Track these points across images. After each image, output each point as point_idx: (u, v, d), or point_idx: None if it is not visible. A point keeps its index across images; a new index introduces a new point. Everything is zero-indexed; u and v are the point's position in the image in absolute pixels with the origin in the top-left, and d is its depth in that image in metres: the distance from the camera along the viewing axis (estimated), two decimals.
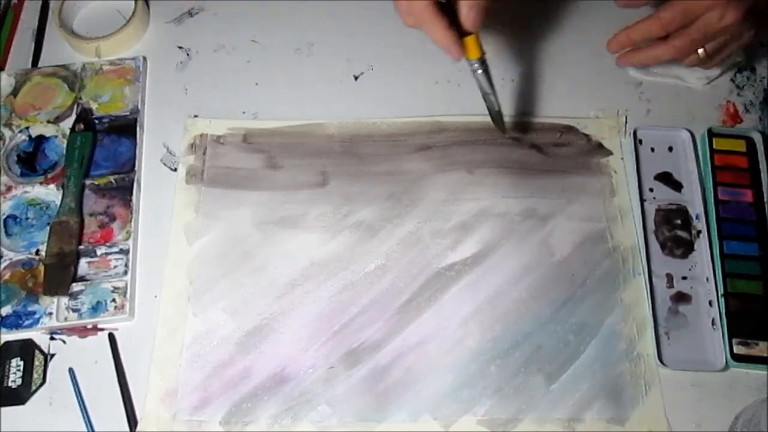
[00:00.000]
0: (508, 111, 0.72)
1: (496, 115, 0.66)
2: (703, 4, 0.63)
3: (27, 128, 0.70)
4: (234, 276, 0.64)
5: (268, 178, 0.68)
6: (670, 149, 0.70)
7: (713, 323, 0.63)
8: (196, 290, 0.63)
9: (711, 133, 0.70)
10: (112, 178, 0.68)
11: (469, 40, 0.59)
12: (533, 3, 0.78)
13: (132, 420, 0.59)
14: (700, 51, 0.65)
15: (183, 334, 0.62)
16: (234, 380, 0.60)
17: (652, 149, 0.70)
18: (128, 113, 0.71)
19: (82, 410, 0.59)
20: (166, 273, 0.64)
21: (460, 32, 0.58)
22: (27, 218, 0.67)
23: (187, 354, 0.61)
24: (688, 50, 0.65)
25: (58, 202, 0.66)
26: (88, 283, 0.64)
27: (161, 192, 0.68)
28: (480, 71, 0.62)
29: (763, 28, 0.70)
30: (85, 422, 0.59)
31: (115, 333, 0.63)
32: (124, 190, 0.68)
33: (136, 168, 0.68)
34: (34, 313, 0.62)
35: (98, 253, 0.65)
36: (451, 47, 0.58)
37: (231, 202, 0.67)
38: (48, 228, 0.65)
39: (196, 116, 0.72)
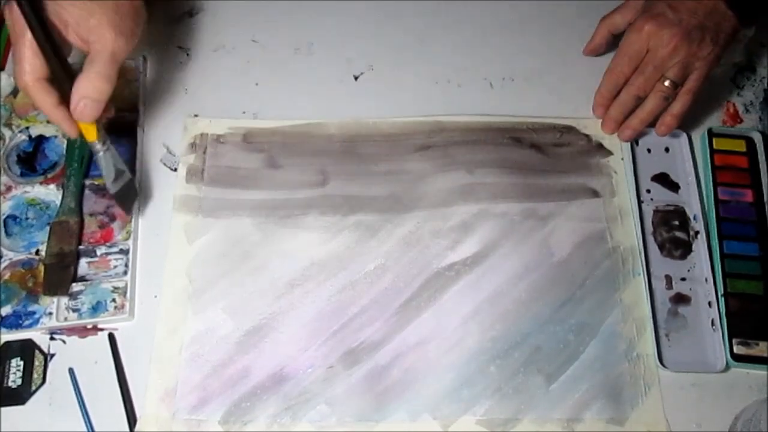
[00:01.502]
0: (508, 111, 0.72)
1: (119, 195, 0.63)
2: (640, 38, 0.65)
3: (27, 128, 0.70)
4: (234, 275, 0.64)
5: (268, 177, 0.68)
6: (667, 150, 0.70)
7: (713, 324, 0.63)
8: (196, 289, 0.63)
9: (711, 133, 0.70)
10: None
11: (83, 124, 0.57)
12: (533, 3, 0.78)
13: (132, 420, 0.59)
14: (666, 82, 0.65)
15: (182, 334, 0.62)
16: (233, 379, 0.60)
17: (649, 150, 0.70)
18: (128, 113, 0.71)
19: (82, 410, 0.59)
20: (165, 272, 0.64)
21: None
22: (27, 218, 0.67)
23: (186, 353, 0.61)
24: (648, 85, 0.66)
25: (58, 202, 0.66)
26: (88, 283, 0.64)
27: (161, 192, 0.68)
28: (100, 154, 0.60)
29: (763, 28, 0.71)
30: (85, 422, 0.59)
31: (115, 333, 0.62)
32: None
33: (136, 168, 0.68)
34: (34, 313, 0.62)
35: (98, 253, 0.65)
36: (63, 124, 0.57)
37: (231, 202, 0.67)
38: (48, 228, 0.65)
39: (196, 115, 0.72)
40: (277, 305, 0.63)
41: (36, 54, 0.54)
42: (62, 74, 0.56)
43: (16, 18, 0.53)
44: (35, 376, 0.60)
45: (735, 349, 0.61)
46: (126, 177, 0.63)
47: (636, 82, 0.66)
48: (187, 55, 0.75)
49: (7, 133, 0.70)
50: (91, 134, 0.58)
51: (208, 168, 0.69)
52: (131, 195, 0.65)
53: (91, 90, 0.56)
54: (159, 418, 0.59)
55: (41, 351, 0.62)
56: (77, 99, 0.56)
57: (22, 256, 0.65)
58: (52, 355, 0.62)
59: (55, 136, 0.70)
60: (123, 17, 0.57)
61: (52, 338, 0.62)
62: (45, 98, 0.56)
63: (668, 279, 0.65)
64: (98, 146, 0.60)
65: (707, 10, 0.64)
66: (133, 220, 0.66)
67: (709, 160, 0.69)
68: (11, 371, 0.60)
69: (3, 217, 0.66)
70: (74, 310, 0.62)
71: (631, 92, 0.67)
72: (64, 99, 0.56)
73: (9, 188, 0.67)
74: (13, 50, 0.56)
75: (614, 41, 0.69)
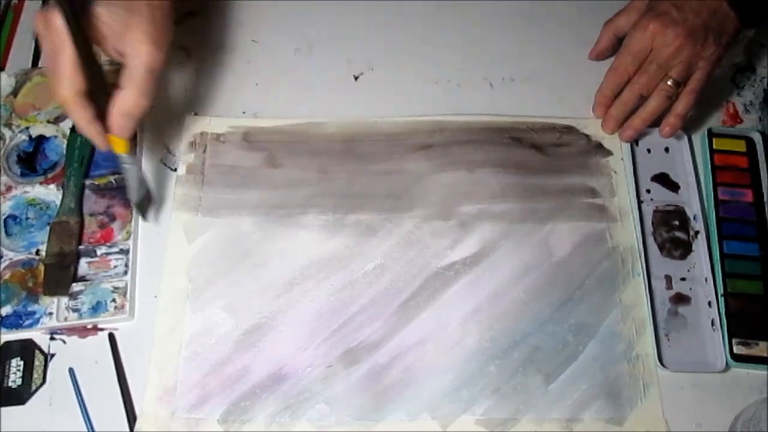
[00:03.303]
0: (508, 111, 0.72)
1: (139, 204, 0.65)
2: (644, 37, 0.65)
3: (27, 128, 0.70)
4: (233, 274, 0.64)
5: (268, 176, 0.68)
6: (667, 150, 0.70)
7: (713, 324, 0.63)
8: (195, 288, 0.64)
9: (711, 134, 0.70)
10: (112, 178, 0.68)
11: (114, 137, 0.58)
12: (533, 3, 0.78)
13: (132, 420, 0.59)
14: (669, 82, 0.65)
15: (181, 332, 0.62)
16: (232, 378, 0.60)
17: (649, 150, 0.70)
18: None
19: (82, 410, 0.59)
20: (165, 271, 0.64)
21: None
22: (27, 218, 0.67)
23: (185, 352, 0.61)
24: (651, 84, 0.66)
25: (58, 202, 0.66)
26: (88, 283, 0.64)
27: (161, 192, 0.68)
28: (126, 166, 0.61)
29: (763, 28, 0.71)
30: (85, 422, 0.59)
31: (115, 333, 0.63)
32: (124, 191, 0.67)
33: None
34: (34, 313, 0.62)
35: (98, 253, 0.65)
36: (96, 139, 0.58)
37: (231, 201, 0.67)
38: (48, 228, 0.65)
39: (196, 114, 0.72)
40: (276, 304, 0.63)
41: (77, 68, 0.53)
42: (100, 88, 0.55)
43: (55, 31, 0.53)
44: (35, 376, 0.60)
45: (735, 349, 0.61)
46: (145, 186, 0.64)
47: (639, 80, 0.66)
48: (188, 55, 0.75)
49: (7, 133, 0.70)
50: (123, 147, 0.59)
51: (207, 167, 0.69)
52: (150, 202, 0.66)
53: (130, 106, 0.56)
54: (158, 417, 0.59)
55: (41, 351, 0.62)
56: (116, 115, 0.56)
57: (23, 256, 0.65)
58: (53, 355, 0.62)
59: (55, 136, 0.70)
60: (158, 28, 0.56)
61: (52, 338, 0.62)
62: (82, 113, 0.55)
63: (668, 279, 0.65)
64: (127, 159, 0.60)
65: (711, 11, 0.64)
66: (133, 220, 0.66)
67: (709, 160, 0.69)
68: (11, 371, 0.60)
69: (3, 217, 0.66)
70: (74, 310, 0.62)
71: (634, 91, 0.67)
72: (100, 113, 0.56)
73: (9, 188, 0.68)
74: (49, 62, 0.55)
75: (619, 44, 0.69)
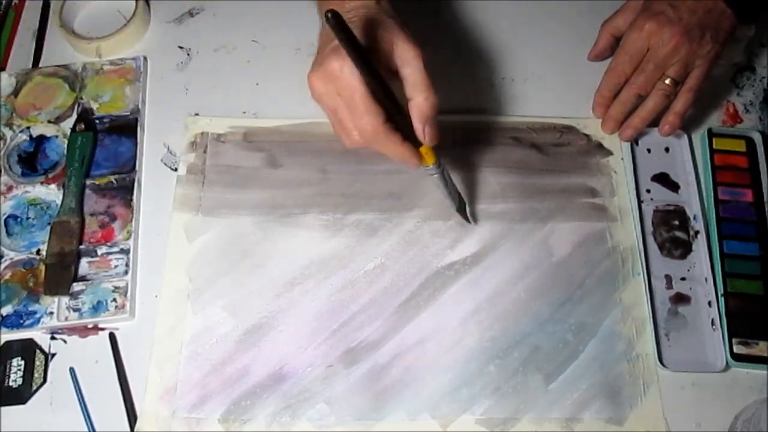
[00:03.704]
0: (508, 111, 0.72)
1: (459, 208, 0.65)
2: (641, 37, 0.65)
3: (28, 128, 0.70)
4: (234, 274, 0.64)
5: (269, 176, 0.69)
6: (667, 150, 0.70)
7: (713, 324, 0.63)
8: (196, 288, 0.64)
9: (711, 133, 0.70)
10: (112, 178, 0.68)
11: (425, 149, 0.57)
12: (534, 3, 0.78)
13: (133, 419, 0.59)
14: (667, 81, 0.65)
15: (182, 332, 0.62)
16: (233, 378, 0.60)
17: (649, 150, 0.70)
18: (129, 113, 0.71)
19: (82, 410, 0.59)
20: (165, 271, 0.64)
21: (413, 142, 0.56)
22: (28, 218, 0.67)
23: (186, 351, 0.61)
24: (649, 83, 0.66)
25: (59, 202, 0.67)
26: (89, 282, 0.64)
27: (162, 192, 0.68)
28: (436, 175, 0.60)
29: (763, 28, 0.71)
30: (86, 422, 0.59)
31: (116, 333, 0.63)
32: (124, 190, 0.68)
33: (136, 168, 0.68)
34: (35, 312, 0.63)
35: (99, 252, 0.65)
36: (410, 160, 0.57)
37: (231, 201, 0.67)
38: (49, 228, 0.65)
39: (197, 114, 0.72)
40: (276, 304, 0.63)
41: (372, 101, 0.52)
42: (393, 110, 0.54)
43: (339, 78, 0.52)
44: (36, 375, 0.60)
45: (735, 349, 0.61)
46: (455, 190, 0.63)
47: (637, 80, 0.66)
48: (188, 55, 0.75)
49: (8, 132, 0.70)
50: (432, 158, 0.58)
51: (208, 167, 0.69)
52: (463, 203, 0.65)
53: (429, 109, 0.54)
54: (159, 417, 0.59)
55: (42, 350, 0.62)
56: (422, 125, 0.55)
57: (23, 256, 0.65)
58: (53, 355, 0.62)
59: (56, 136, 0.70)
60: (407, 30, 0.55)
61: (52, 338, 0.62)
62: (392, 140, 0.54)
63: (668, 279, 0.65)
64: (435, 168, 0.59)
65: (706, 9, 0.64)
66: (133, 220, 0.66)
67: (709, 160, 0.69)
68: (12, 371, 0.60)
69: (4, 217, 0.67)
70: (75, 310, 0.63)
71: (632, 91, 0.67)
72: (404, 133, 0.55)
73: (10, 188, 0.68)
74: (340, 112, 0.54)
75: (617, 44, 0.69)
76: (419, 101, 0.54)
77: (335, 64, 0.51)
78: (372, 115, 0.53)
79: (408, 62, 0.54)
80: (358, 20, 0.53)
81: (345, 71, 0.51)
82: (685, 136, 0.70)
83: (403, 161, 0.56)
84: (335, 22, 0.47)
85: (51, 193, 0.68)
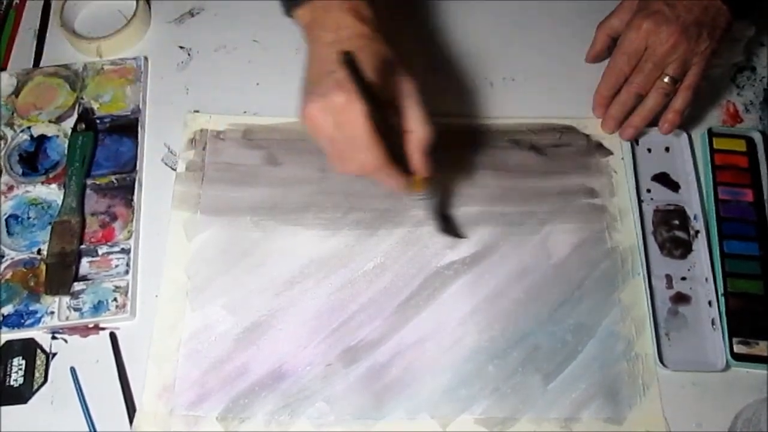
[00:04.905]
0: (508, 111, 0.72)
1: (445, 229, 0.65)
2: (638, 37, 0.65)
3: (29, 128, 0.71)
4: (233, 272, 0.64)
5: (268, 174, 0.69)
6: (667, 150, 0.70)
7: (713, 323, 0.63)
8: (195, 286, 0.64)
9: (711, 133, 0.70)
10: (113, 178, 0.68)
11: (418, 178, 0.58)
12: (533, 3, 0.78)
13: (133, 419, 0.59)
14: (666, 79, 0.65)
15: (181, 330, 0.62)
16: (231, 376, 0.60)
17: (649, 150, 0.70)
18: (129, 113, 0.71)
19: (83, 409, 0.59)
20: (165, 269, 0.64)
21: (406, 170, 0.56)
22: (28, 218, 0.67)
23: (185, 349, 0.61)
24: (648, 82, 0.66)
25: (60, 202, 0.67)
26: (90, 282, 0.64)
27: (162, 191, 0.68)
28: (425, 201, 0.62)
29: (763, 28, 0.71)
30: (87, 421, 0.59)
31: (117, 332, 0.63)
32: (125, 190, 0.68)
33: (137, 167, 0.69)
34: (36, 312, 0.63)
35: (99, 252, 0.66)
36: (405, 190, 0.58)
37: (230, 199, 0.67)
38: (49, 227, 0.66)
39: (196, 111, 0.72)
40: (276, 302, 0.63)
41: (377, 139, 0.52)
42: (391, 140, 0.54)
43: (350, 109, 0.51)
44: (37, 375, 0.61)
45: (735, 349, 0.61)
46: (444, 213, 0.65)
47: (636, 80, 0.66)
48: (188, 54, 0.76)
49: (8, 132, 0.70)
50: (423, 185, 0.59)
51: (207, 164, 0.69)
52: (451, 222, 0.66)
53: (424, 142, 0.55)
54: (157, 414, 0.59)
55: (43, 350, 0.62)
56: (419, 157, 0.56)
57: (24, 256, 0.65)
58: (54, 354, 0.62)
59: (57, 136, 0.70)
60: (398, 61, 0.55)
61: (53, 337, 0.63)
62: (391, 173, 0.55)
63: (668, 278, 0.65)
64: (426, 195, 0.61)
65: (702, 6, 0.64)
66: (134, 219, 0.66)
67: (709, 160, 0.69)
68: (13, 370, 0.61)
69: (5, 217, 0.67)
70: (76, 310, 0.63)
71: (631, 90, 0.67)
72: (396, 162, 0.55)
73: (11, 188, 0.68)
74: (336, 143, 0.53)
75: (614, 45, 0.69)
76: (419, 135, 0.55)
77: (341, 98, 0.51)
78: (376, 152, 0.53)
79: (407, 95, 0.54)
80: (357, 51, 0.52)
81: (351, 107, 0.51)
82: (686, 135, 0.70)
83: (396, 189, 0.57)
84: (349, 62, 0.48)
85: (52, 193, 0.68)
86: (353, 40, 0.55)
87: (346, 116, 0.51)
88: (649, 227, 0.67)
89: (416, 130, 0.55)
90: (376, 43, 0.55)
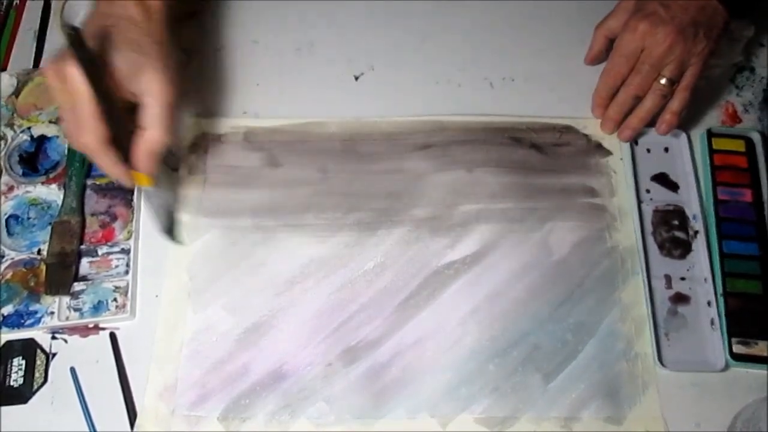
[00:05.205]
0: (508, 111, 0.72)
1: (166, 230, 0.65)
2: (635, 38, 0.65)
3: (29, 128, 0.71)
4: (234, 273, 0.64)
5: (269, 176, 0.69)
6: (666, 150, 0.70)
7: (712, 324, 0.63)
8: (196, 287, 0.64)
9: (710, 134, 0.70)
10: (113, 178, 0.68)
11: (140, 174, 0.59)
12: (533, 3, 0.78)
13: (133, 419, 0.59)
14: (663, 80, 0.65)
15: (183, 331, 0.62)
16: (232, 376, 0.60)
17: (648, 150, 0.70)
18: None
19: (83, 409, 0.59)
20: (166, 270, 0.64)
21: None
22: (29, 218, 0.67)
23: (186, 350, 0.61)
24: (645, 84, 0.66)
25: (60, 202, 0.67)
26: (90, 282, 0.64)
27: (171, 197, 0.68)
28: (152, 198, 0.63)
29: (763, 28, 0.71)
30: (87, 421, 0.59)
31: (117, 332, 0.63)
32: (125, 190, 0.68)
33: None
34: (36, 312, 0.63)
35: (99, 252, 0.66)
36: (123, 180, 0.59)
37: (231, 201, 0.67)
38: (49, 228, 0.66)
39: (198, 115, 0.72)
40: (276, 303, 0.63)
41: (99, 118, 0.54)
42: (121, 130, 0.56)
43: (72, 82, 0.53)
44: (37, 375, 0.61)
45: (734, 349, 0.61)
46: (171, 212, 0.66)
47: (633, 81, 0.66)
48: (188, 56, 0.76)
49: (9, 133, 0.70)
50: (148, 181, 0.60)
51: (209, 167, 0.69)
52: (176, 225, 0.66)
53: (153, 144, 0.57)
54: (158, 414, 0.59)
55: (43, 350, 0.62)
56: (142, 155, 0.57)
57: (24, 256, 0.65)
58: (54, 355, 0.62)
59: (57, 136, 0.70)
60: (167, 63, 0.57)
61: (53, 337, 0.63)
62: (107, 159, 0.57)
63: (668, 278, 0.65)
64: (152, 192, 0.62)
65: (698, 6, 0.64)
66: (134, 219, 0.66)
67: (708, 160, 0.69)
68: (13, 370, 0.61)
69: (5, 217, 0.67)
70: (76, 310, 0.63)
71: (629, 92, 0.67)
72: (123, 153, 0.57)
73: (11, 188, 0.68)
74: (68, 113, 0.55)
75: (612, 46, 0.69)
76: (149, 135, 0.57)
77: (72, 69, 0.52)
78: (92, 131, 0.55)
79: (151, 93, 0.56)
80: (115, 31, 0.54)
81: (78, 80, 0.52)
82: (685, 136, 0.70)
83: (117, 178, 0.59)
84: (73, 39, 0.50)
85: (52, 193, 0.68)
86: (120, 21, 0.56)
87: (73, 88, 0.53)
88: (649, 227, 0.67)
89: (149, 128, 0.57)
90: (142, 34, 0.57)
